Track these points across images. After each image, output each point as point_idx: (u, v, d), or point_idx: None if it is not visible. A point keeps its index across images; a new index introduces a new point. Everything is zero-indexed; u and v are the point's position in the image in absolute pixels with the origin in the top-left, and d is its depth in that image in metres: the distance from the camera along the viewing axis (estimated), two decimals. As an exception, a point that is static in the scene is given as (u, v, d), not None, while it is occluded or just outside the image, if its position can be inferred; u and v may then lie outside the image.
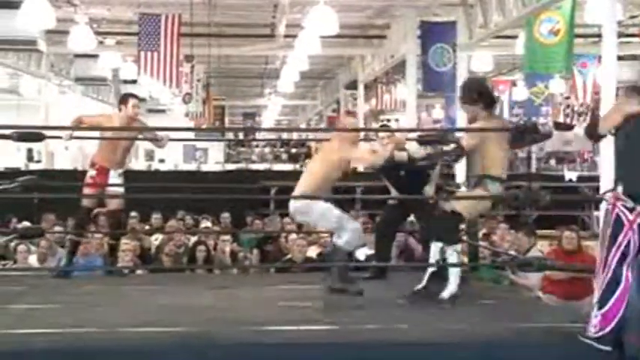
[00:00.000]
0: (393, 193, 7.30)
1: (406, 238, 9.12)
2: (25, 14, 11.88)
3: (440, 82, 14.31)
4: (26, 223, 10.89)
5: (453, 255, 6.01)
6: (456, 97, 13.97)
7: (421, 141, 8.08)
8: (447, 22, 13.91)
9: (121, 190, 7.79)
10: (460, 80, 13.71)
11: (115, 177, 7.54)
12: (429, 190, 7.07)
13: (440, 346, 4.94)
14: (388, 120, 28.54)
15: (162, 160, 31.61)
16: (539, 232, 9.82)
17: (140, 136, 7.96)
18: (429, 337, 5.08)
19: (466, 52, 13.46)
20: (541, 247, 9.08)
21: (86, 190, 7.61)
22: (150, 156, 32.52)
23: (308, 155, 33.46)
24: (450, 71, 13.89)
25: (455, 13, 13.60)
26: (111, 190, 7.60)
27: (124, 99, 7.71)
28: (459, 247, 6.17)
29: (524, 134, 6.22)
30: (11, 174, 11.93)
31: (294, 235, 9.85)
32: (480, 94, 6.24)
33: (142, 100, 25.30)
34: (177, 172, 23.05)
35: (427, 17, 14.54)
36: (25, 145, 24.72)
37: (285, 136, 35.11)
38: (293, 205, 6.23)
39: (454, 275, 6.01)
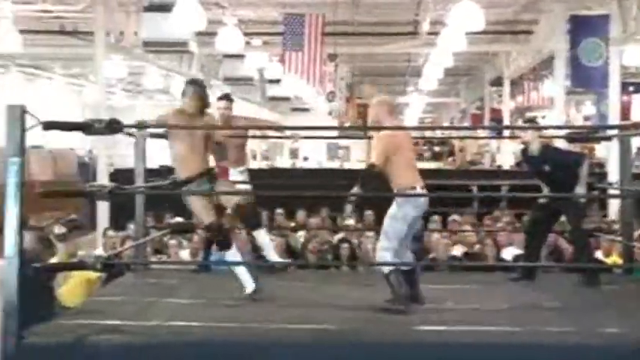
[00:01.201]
0: (545, 192, 7.08)
1: (556, 238, 8.84)
2: (178, 17, 12.34)
3: (590, 77, 13.82)
4: (178, 219, 11.28)
5: None
6: (609, 92, 13.60)
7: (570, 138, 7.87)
8: (600, 16, 13.41)
9: (247, 186, 7.82)
10: (613, 76, 13.23)
11: (235, 174, 7.57)
12: (580, 189, 6.80)
13: (593, 349, 4.77)
14: (535, 117, 27.83)
15: (306, 158, 32.10)
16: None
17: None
18: (580, 340, 4.91)
19: (619, 46, 12.93)
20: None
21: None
22: (294, 154, 33.12)
23: (451, 153, 33.10)
24: (601, 66, 13.39)
25: (608, 5, 13.10)
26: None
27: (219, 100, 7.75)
28: None
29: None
30: (165, 171, 12.42)
31: (437, 235, 9.75)
32: None
33: (287, 99, 25.93)
34: (321, 169, 23.30)
35: (577, 11, 14.07)
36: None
37: (428, 133, 34.80)
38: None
39: None
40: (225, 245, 6.17)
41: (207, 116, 6.40)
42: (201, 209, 6.06)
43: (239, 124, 7.68)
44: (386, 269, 5.73)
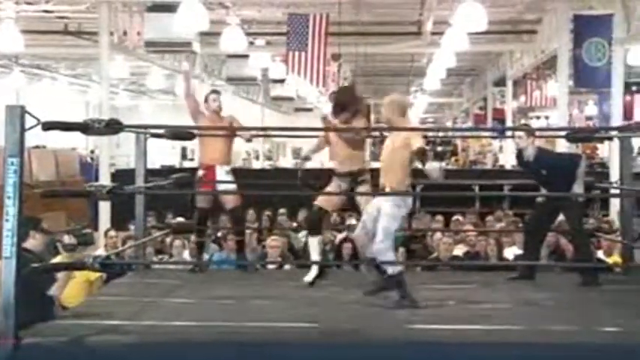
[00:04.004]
0: (543, 192, 7.10)
1: (557, 237, 8.84)
2: (181, 17, 12.35)
3: (593, 77, 13.79)
4: (180, 219, 11.31)
5: None
6: (612, 92, 13.58)
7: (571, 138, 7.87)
8: (604, 15, 13.37)
9: (233, 186, 7.79)
10: (616, 76, 13.21)
11: (222, 174, 7.54)
12: (578, 188, 6.83)
13: (592, 348, 4.77)
14: (538, 117, 27.82)
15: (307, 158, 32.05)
16: None
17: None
18: (579, 339, 4.90)
19: (623, 46, 12.91)
20: None
21: (201, 190, 7.77)
22: (297, 154, 33.07)
23: (454, 153, 33.09)
24: (604, 66, 13.36)
25: (612, 5, 13.07)
26: (223, 188, 7.64)
27: (205, 98, 7.80)
28: None
29: None
30: (166, 171, 12.46)
31: (439, 234, 9.75)
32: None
33: (290, 99, 25.94)
34: (321, 169, 23.26)
35: (581, 11, 14.04)
36: (179, 144, 25.77)
37: (430, 133, 34.78)
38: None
39: None
40: None
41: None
42: None
43: (227, 120, 7.65)
44: (391, 269, 5.75)
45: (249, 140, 7.79)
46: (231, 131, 7.50)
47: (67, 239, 7.26)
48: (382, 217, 5.79)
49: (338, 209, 8.28)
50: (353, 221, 11.58)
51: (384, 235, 5.77)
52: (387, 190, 5.88)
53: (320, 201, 6.83)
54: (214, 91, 7.96)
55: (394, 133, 6.00)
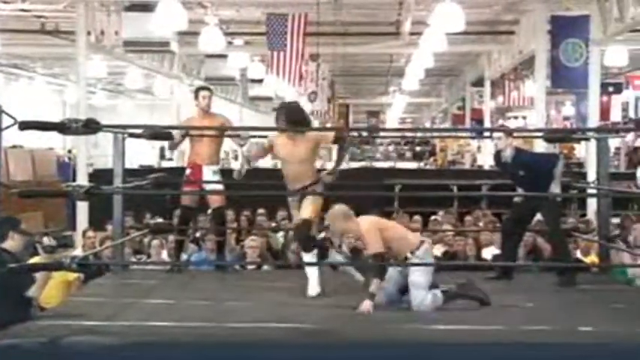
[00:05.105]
0: (520, 192, 7.15)
1: (535, 237, 8.89)
2: (159, 17, 12.31)
3: (571, 78, 13.90)
4: (159, 219, 11.25)
5: None
6: (589, 93, 13.70)
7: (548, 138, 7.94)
8: (580, 16, 13.48)
9: (220, 186, 7.70)
10: (593, 76, 13.32)
11: (209, 174, 7.47)
12: (555, 188, 6.88)
13: (569, 347, 4.80)
14: (516, 117, 27.97)
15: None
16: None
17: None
18: (556, 339, 4.94)
19: (599, 46, 13.01)
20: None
21: (185, 189, 7.73)
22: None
23: (432, 153, 33.19)
24: (581, 67, 13.47)
25: (588, 6, 13.17)
26: (209, 187, 7.57)
27: (195, 94, 7.74)
28: None
29: None
30: (144, 171, 12.39)
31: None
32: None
33: (269, 99, 25.92)
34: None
35: (558, 11, 14.14)
36: (158, 144, 25.64)
37: (409, 133, 34.91)
38: None
39: None
40: None
41: None
42: None
43: (218, 119, 7.60)
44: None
45: (242, 145, 7.56)
46: (221, 131, 7.47)
47: (47, 241, 7.21)
48: None
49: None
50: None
51: None
52: None
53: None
54: (206, 88, 7.83)
55: None
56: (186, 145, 7.73)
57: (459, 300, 5.89)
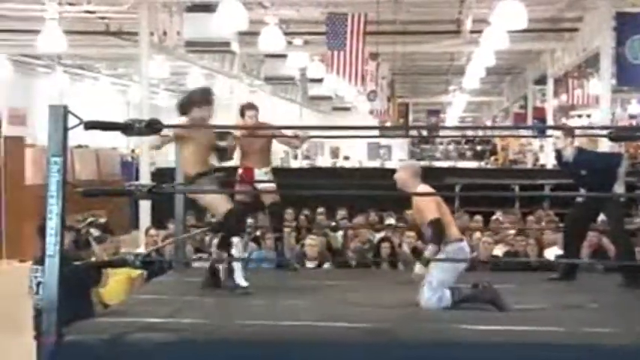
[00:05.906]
0: (582, 192, 7.01)
1: (599, 238, 8.72)
2: (220, 17, 12.41)
3: (636, 75, 13.61)
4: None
5: None
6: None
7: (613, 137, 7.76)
8: (646, 13, 13.19)
9: (273, 185, 7.93)
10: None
11: (261, 175, 7.75)
12: (619, 188, 6.73)
13: (632, 350, 4.71)
14: (580, 116, 27.50)
15: (346, 158, 32.06)
16: None
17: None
18: (618, 341, 4.84)
19: (666, 43, 12.70)
20: None
21: (237, 187, 7.88)
22: (335, 154, 33.11)
23: (493, 152, 32.83)
24: (647, 64, 13.17)
25: (654, 2, 12.88)
26: (261, 187, 7.81)
27: (241, 112, 7.86)
28: None
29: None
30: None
31: (478, 234, 9.67)
32: None
33: (328, 98, 25.95)
34: (362, 169, 23.25)
35: (623, 8, 13.84)
36: (218, 143, 25.87)
37: (469, 132, 34.60)
38: None
39: None
40: (235, 231, 6.31)
41: None
42: (216, 200, 6.32)
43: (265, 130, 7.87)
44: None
45: (296, 147, 7.91)
46: (269, 135, 7.69)
47: (95, 232, 7.38)
48: None
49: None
50: (392, 220, 11.59)
51: None
52: None
53: None
54: (252, 107, 7.94)
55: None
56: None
57: (469, 302, 5.77)
